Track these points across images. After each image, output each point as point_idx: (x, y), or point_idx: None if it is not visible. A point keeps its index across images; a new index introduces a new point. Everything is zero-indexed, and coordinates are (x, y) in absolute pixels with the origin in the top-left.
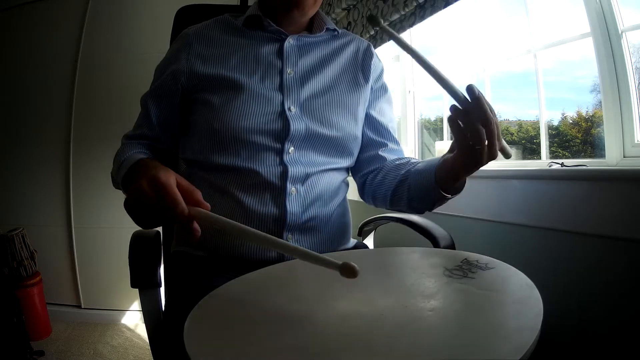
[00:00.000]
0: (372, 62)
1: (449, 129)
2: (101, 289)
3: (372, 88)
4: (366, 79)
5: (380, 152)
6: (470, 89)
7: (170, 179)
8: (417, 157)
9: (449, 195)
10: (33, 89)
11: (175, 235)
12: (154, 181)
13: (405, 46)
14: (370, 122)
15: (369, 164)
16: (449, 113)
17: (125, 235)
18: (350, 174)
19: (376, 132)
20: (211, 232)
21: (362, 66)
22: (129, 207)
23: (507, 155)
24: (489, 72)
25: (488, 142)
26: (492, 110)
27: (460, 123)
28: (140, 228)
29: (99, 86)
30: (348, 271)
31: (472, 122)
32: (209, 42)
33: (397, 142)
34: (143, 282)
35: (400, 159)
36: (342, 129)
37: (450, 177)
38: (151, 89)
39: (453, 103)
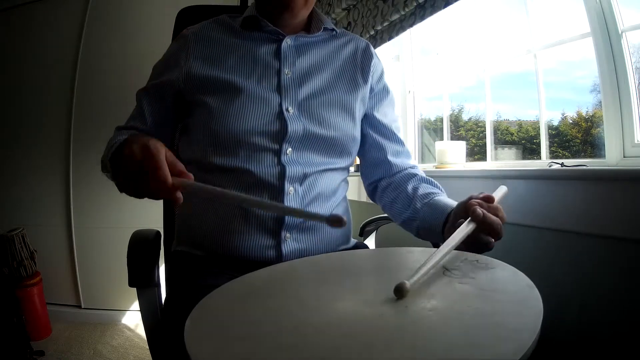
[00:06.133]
0: (372, 63)
1: (449, 129)
2: (101, 289)
3: (372, 89)
4: (365, 80)
5: (387, 157)
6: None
7: (161, 149)
8: (417, 157)
9: None
10: (33, 89)
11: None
12: (145, 147)
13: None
14: (374, 124)
15: (376, 168)
16: (449, 113)
17: (125, 235)
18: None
19: (380, 133)
20: (211, 232)
21: (361, 66)
22: (118, 169)
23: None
24: (489, 72)
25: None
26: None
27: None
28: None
29: (99, 86)
30: (335, 222)
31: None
32: (208, 44)
33: (401, 143)
34: (141, 281)
35: (409, 177)
36: (340, 129)
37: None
38: (147, 86)
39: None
